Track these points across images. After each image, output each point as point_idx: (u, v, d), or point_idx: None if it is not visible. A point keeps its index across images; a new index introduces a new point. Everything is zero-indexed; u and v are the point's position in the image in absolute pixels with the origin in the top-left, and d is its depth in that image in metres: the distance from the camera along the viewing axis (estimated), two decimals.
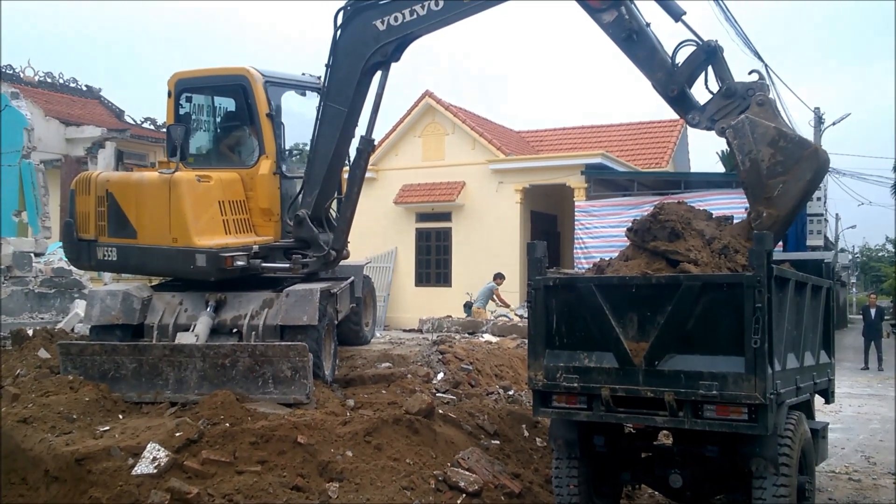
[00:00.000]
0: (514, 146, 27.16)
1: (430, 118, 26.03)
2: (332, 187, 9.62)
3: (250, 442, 6.70)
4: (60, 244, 11.75)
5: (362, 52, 8.88)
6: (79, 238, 9.47)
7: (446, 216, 25.45)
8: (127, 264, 9.50)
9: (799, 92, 47.85)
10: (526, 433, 8.64)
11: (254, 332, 8.85)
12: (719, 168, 37.16)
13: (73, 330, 12.25)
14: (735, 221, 7.42)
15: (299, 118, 9.97)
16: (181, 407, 7.89)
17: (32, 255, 15.13)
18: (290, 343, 8.16)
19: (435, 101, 25.78)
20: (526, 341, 7.33)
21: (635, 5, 7.83)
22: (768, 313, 5.83)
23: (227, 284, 9.17)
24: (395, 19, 8.71)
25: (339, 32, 8.97)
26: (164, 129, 9.73)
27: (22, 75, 27.03)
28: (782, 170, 6.95)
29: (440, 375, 9.83)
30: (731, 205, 17.09)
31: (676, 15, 7.72)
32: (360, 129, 9.42)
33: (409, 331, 17.83)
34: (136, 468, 6.36)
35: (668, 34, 7.81)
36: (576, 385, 6.44)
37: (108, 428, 7.25)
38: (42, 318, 14.35)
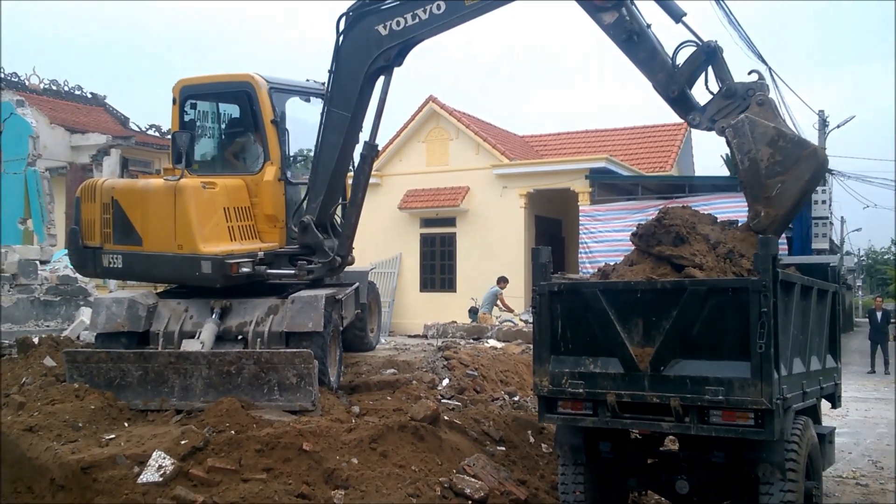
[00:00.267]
0: (518, 151, 27.17)
1: (434, 123, 26.05)
2: (336, 193, 9.63)
3: (256, 449, 6.70)
4: (66, 251, 11.78)
5: (365, 58, 8.89)
6: (84, 245, 9.48)
7: (451, 221, 25.45)
8: (132, 271, 9.50)
9: (802, 94, 47.84)
10: (532, 439, 8.62)
11: (259, 339, 8.84)
12: (724, 172, 37.09)
13: (78, 337, 12.26)
14: (740, 224, 7.41)
15: (304, 124, 9.97)
16: (187, 414, 7.88)
17: (38, 262, 15.18)
18: (295, 350, 8.16)
19: (439, 106, 25.81)
20: (531, 346, 7.32)
21: (636, 6, 7.86)
22: (774, 318, 5.82)
23: (233, 291, 9.18)
24: (398, 24, 8.72)
25: (341, 38, 8.99)
26: (169, 136, 9.75)
27: (27, 83, 27.14)
28: (781, 169, 6.97)
29: (445, 381, 9.82)
30: (736, 208, 17.05)
31: (677, 16, 7.74)
32: (365, 135, 9.45)
33: (414, 336, 17.83)
34: (141, 476, 6.36)
35: (668, 35, 7.84)
36: (581, 391, 6.43)
37: (113, 436, 7.25)
38: (48, 326, 14.38)
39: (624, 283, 6.53)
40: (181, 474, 6.41)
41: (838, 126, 35.16)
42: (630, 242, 7.18)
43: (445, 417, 8.10)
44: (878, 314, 23.23)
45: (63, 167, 23.45)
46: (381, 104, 9.15)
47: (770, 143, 7.00)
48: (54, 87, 28.54)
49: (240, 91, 9.78)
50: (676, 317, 6.11)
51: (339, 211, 9.93)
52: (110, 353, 8.42)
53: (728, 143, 7.29)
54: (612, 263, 7.44)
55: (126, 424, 7.72)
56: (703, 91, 7.66)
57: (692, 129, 7.59)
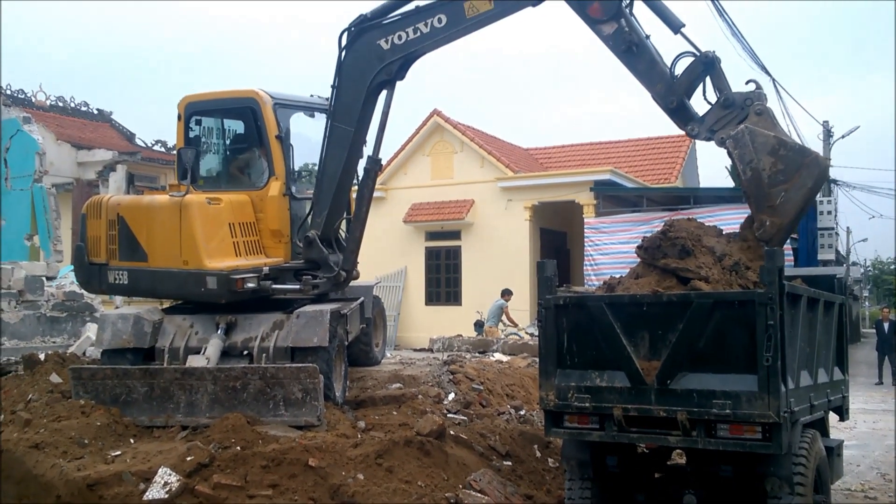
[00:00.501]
0: (522, 163, 27.20)
1: (439, 136, 26.11)
2: (341, 208, 9.65)
3: (261, 465, 6.68)
4: (72, 267, 11.82)
5: (367, 72, 8.94)
6: (90, 262, 9.51)
7: (456, 234, 25.46)
8: (138, 288, 9.52)
9: (806, 104, 47.89)
10: (538, 454, 8.59)
11: (264, 355, 8.84)
12: (728, 183, 37.07)
13: (84, 354, 12.28)
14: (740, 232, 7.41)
15: (308, 140, 10.00)
16: (192, 430, 7.88)
17: (44, 278, 15.20)
18: (300, 365, 8.15)
19: (443, 120, 25.87)
20: (537, 360, 7.30)
21: (635, 18, 7.90)
22: (781, 330, 5.80)
23: (238, 306, 9.18)
24: (399, 38, 8.77)
25: (343, 53, 9.03)
26: (175, 152, 9.79)
27: (34, 100, 27.30)
28: (784, 178, 7.00)
29: (451, 396, 9.79)
30: (742, 220, 17.02)
31: (675, 27, 7.79)
32: (368, 149, 9.47)
33: (420, 350, 17.80)
34: (147, 493, 6.34)
35: (667, 46, 7.87)
36: (588, 405, 6.41)
37: (119, 453, 7.24)
38: (54, 342, 14.39)
39: (630, 297, 6.52)
40: (187, 491, 6.39)
41: (843, 136, 35.26)
42: (635, 254, 7.18)
43: (451, 432, 8.07)
44: (886, 325, 23.11)
45: (69, 183, 23.53)
46: (384, 118, 9.18)
47: (771, 152, 7.03)
48: (61, 104, 28.70)
49: (244, 107, 9.81)
50: (683, 330, 6.09)
51: (343, 225, 9.94)
52: (116, 370, 8.43)
53: (729, 154, 7.32)
54: (617, 276, 7.44)
55: (132, 441, 7.72)
56: (701, 101, 7.71)
57: (696, 140, 7.60)
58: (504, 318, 19.68)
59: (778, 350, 5.74)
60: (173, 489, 6.35)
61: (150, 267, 9.16)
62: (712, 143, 7.58)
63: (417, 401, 9.34)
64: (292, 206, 9.69)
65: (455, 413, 9.30)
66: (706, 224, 7.44)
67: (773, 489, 6.01)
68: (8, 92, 25.39)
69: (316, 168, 9.68)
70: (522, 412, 9.99)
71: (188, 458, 6.70)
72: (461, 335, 17.08)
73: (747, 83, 7.51)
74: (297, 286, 9.41)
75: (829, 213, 23.16)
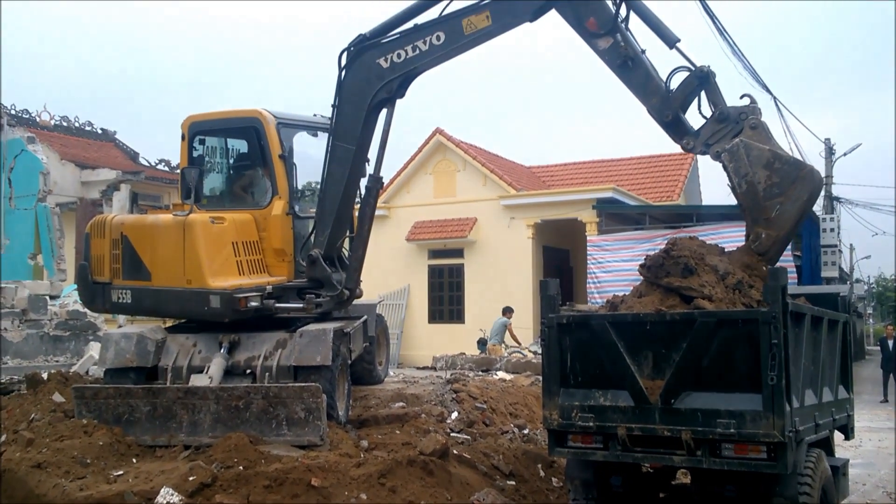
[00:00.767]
0: (524, 181, 27.24)
1: (441, 155, 26.17)
2: (343, 226, 9.66)
3: (264, 485, 6.65)
4: (75, 286, 11.84)
5: (367, 91, 8.99)
6: (93, 281, 9.52)
7: (458, 252, 25.46)
8: (141, 307, 9.52)
9: (808, 122, 47.98)
10: (542, 473, 8.55)
11: (267, 373, 8.83)
12: (731, 201, 37.02)
13: (87, 373, 12.27)
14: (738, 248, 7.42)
15: (311, 159, 10.03)
16: (195, 450, 7.86)
17: (48, 297, 15.22)
18: (303, 384, 8.14)
19: (445, 138, 25.94)
20: (540, 378, 7.29)
21: (630, 32, 7.96)
22: (785, 349, 5.79)
23: (241, 325, 9.18)
24: (398, 56, 8.83)
25: (343, 73, 9.09)
26: (179, 171, 9.83)
27: (38, 119, 27.45)
28: (779, 191, 7.06)
29: (454, 415, 9.77)
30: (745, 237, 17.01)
31: (671, 42, 7.86)
32: (371, 168, 9.50)
33: (423, 368, 17.76)
34: None
35: (662, 61, 7.93)
36: (591, 424, 6.39)
37: (121, 472, 7.23)
38: (57, 361, 14.39)
39: (633, 316, 6.51)
40: None
41: (845, 154, 35.26)
42: (638, 273, 7.18)
43: (455, 451, 8.05)
44: (890, 343, 23.01)
45: (73, 202, 23.61)
46: (385, 136, 9.23)
47: (766, 165, 7.09)
48: (65, 124, 28.85)
49: (248, 126, 9.86)
50: (686, 349, 6.08)
51: (346, 243, 9.96)
52: (119, 389, 8.42)
53: (724, 168, 7.39)
54: (620, 294, 7.43)
55: (134, 460, 7.70)
56: (696, 116, 7.77)
57: (699, 158, 7.65)
58: (508, 334, 19.66)
59: (782, 369, 5.72)
60: None
61: (154, 286, 9.17)
62: (708, 157, 7.64)
63: (420, 420, 9.31)
64: (295, 224, 9.72)
65: (458, 432, 9.27)
66: (708, 242, 7.44)
67: None
68: (12, 112, 25.52)
69: (319, 187, 9.71)
70: (526, 431, 9.95)
71: (190, 478, 6.68)
72: (464, 353, 17.04)
73: (742, 97, 7.60)
74: (301, 305, 9.42)
75: (832, 230, 23.13)
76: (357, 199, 9.70)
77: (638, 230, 23.14)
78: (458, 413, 9.82)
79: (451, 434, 9.08)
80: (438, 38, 8.65)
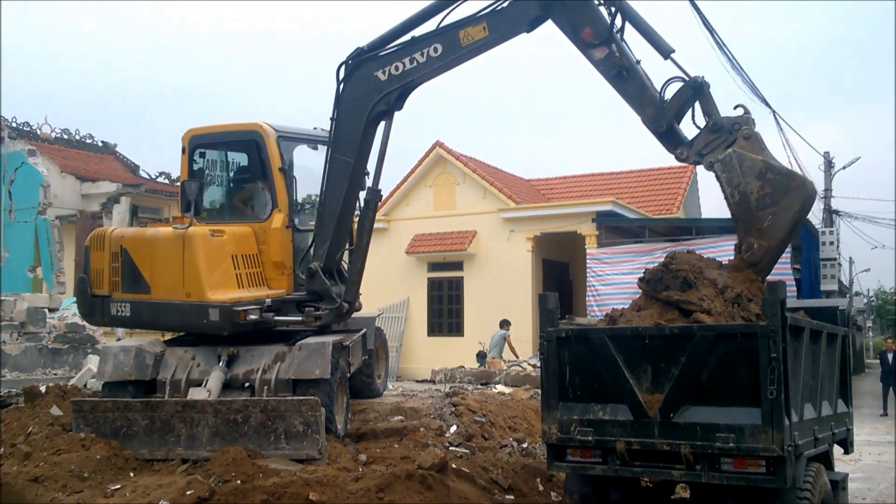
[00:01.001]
0: (524, 194, 27.27)
1: (441, 168, 26.20)
2: (342, 239, 9.67)
3: (262, 500, 6.62)
4: (74, 299, 11.84)
5: (366, 103, 9.03)
6: (92, 294, 9.52)
7: (458, 265, 25.46)
8: (140, 320, 9.52)
9: (807, 135, 48.16)
10: (541, 487, 8.52)
11: (266, 387, 8.81)
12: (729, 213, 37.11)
13: (85, 386, 12.25)
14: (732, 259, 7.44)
15: (311, 172, 10.05)
16: (193, 464, 7.84)
17: (46, 310, 15.21)
18: (302, 398, 8.13)
19: (445, 151, 25.99)
20: (539, 392, 7.27)
21: (625, 43, 8.01)
22: (784, 363, 5.79)
23: (240, 338, 9.17)
24: (396, 68, 8.87)
25: (342, 86, 9.13)
26: (179, 184, 9.85)
27: (39, 132, 27.51)
28: (771, 201, 7.07)
29: (453, 428, 9.74)
30: None
31: (665, 52, 7.91)
32: (369, 180, 9.51)
33: (422, 381, 17.73)
34: None
35: (657, 72, 7.97)
36: (590, 438, 6.38)
37: (119, 486, 7.21)
38: (55, 374, 14.36)
39: (632, 329, 6.51)
40: None
41: (844, 167, 35.33)
42: (637, 286, 7.18)
43: (453, 465, 8.01)
44: (890, 356, 22.97)
45: (73, 215, 23.63)
46: (383, 148, 9.26)
47: (759, 175, 7.11)
48: (66, 136, 28.91)
49: (248, 140, 9.88)
50: (685, 363, 6.08)
51: (346, 256, 9.96)
52: (117, 402, 8.41)
53: (717, 178, 7.42)
54: (619, 308, 7.43)
55: (132, 474, 7.68)
56: (690, 126, 7.79)
57: (698, 171, 7.69)
58: (507, 348, 19.65)
59: (781, 383, 5.72)
60: None
61: (153, 299, 9.17)
62: (702, 166, 7.68)
63: (419, 433, 9.29)
64: (295, 237, 9.73)
65: (457, 446, 9.24)
66: (707, 256, 7.45)
67: None
68: (13, 125, 25.58)
69: (318, 199, 9.72)
70: (525, 445, 9.92)
71: (188, 492, 6.66)
72: (463, 366, 17.01)
73: (735, 108, 7.62)
74: (300, 318, 9.41)
75: (832, 243, 23.16)
76: (356, 212, 9.71)
77: (637, 243, 23.15)
78: (457, 427, 9.80)
79: (450, 448, 9.05)
80: (436, 49, 8.70)
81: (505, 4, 8.42)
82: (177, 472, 7.64)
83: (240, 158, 10.41)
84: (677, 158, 7.90)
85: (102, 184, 24.30)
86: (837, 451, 8.04)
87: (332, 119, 9.22)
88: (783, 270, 19.48)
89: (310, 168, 10.16)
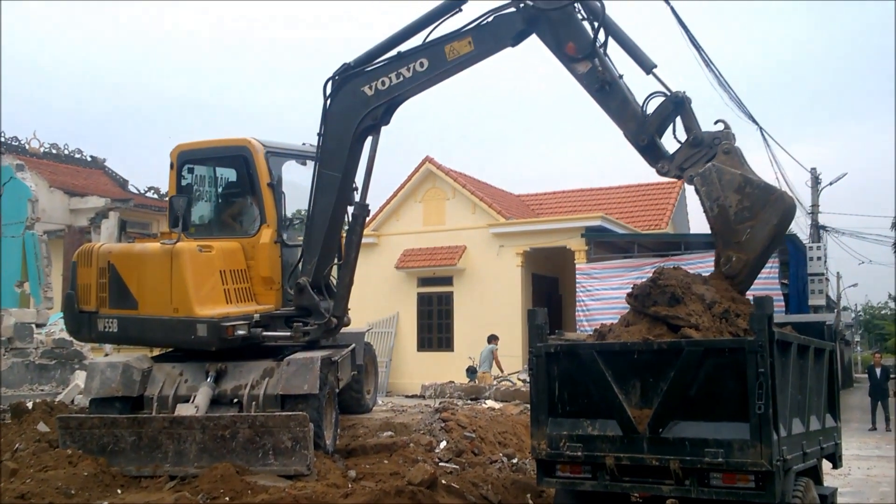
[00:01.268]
0: (514, 210, 27.34)
1: (431, 183, 26.26)
2: (331, 254, 9.67)
3: None
4: (62, 314, 11.77)
5: (353, 118, 9.07)
6: (80, 310, 9.47)
7: (448, 280, 25.47)
8: (127, 336, 9.46)
9: (794, 152, 48.44)
10: (531, 503, 8.50)
11: (254, 402, 8.78)
12: None
13: (72, 402, 12.17)
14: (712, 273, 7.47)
15: (300, 187, 10.06)
16: (181, 480, 7.78)
17: (34, 325, 15.11)
18: (290, 413, 8.10)
19: (435, 167, 26.05)
20: (529, 407, 7.26)
21: (609, 57, 8.09)
22: (771, 378, 5.80)
23: (228, 354, 9.14)
24: (383, 83, 8.92)
25: (328, 101, 9.17)
26: (167, 199, 9.84)
27: (28, 147, 27.43)
28: (749, 215, 7.14)
29: (443, 444, 9.72)
30: None
31: (648, 67, 8.01)
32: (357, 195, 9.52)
33: (412, 397, 17.68)
34: None
35: (640, 86, 8.05)
36: (579, 454, 6.37)
37: (106, 503, 7.14)
38: (42, 390, 14.26)
39: (620, 344, 6.52)
40: None
41: (830, 183, 35.56)
42: (626, 301, 7.19)
43: (443, 481, 7.99)
44: (878, 370, 23.07)
45: (61, 230, 23.52)
46: (371, 163, 9.29)
47: (738, 189, 7.18)
48: (54, 151, 28.83)
49: (237, 155, 9.89)
50: (674, 378, 6.09)
51: (334, 271, 9.95)
52: (104, 419, 8.35)
53: (697, 191, 7.50)
54: (608, 323, 7.44)
55: (119, 491, 7.62)
56: (672, 141, 7.88)
57: (687, 187, 7.75)
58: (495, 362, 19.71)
59: (769, 397, 5.73)
60: None
61: (141, 315, 9.13)
62: (682, 180, 7.75)
63: (409, 449, 9.25)
64: (283, 253, 9.72)
65: (447, 461, 9.21)
66: (694, 272, 7.47)
67: None
68: (2, 139, 25.50)
69: (306, 215, 9.73)
70: (515, 460, 9.90)
71: None
72: (453, 381, 16.99)
73: (716, 123, 7.71)
74: (288, 333, 9.39)
75: (819, 258, 23.28)
76: (344, 227, 9.72)
77: (627, 258, 23.22)
78: (447, 442, 9.77)
79: (440, 463, 9.02)
80: (422, 64, 8.76)
81: (490, 19, 8.50)
82: (165, 489, 7.59)
83: (228, 174, 10.41)
84: (658, 172, 7.99)
85: (91, 198, 24.20)
86: (826, 465, 8.05)
87: (319, 134, 9.26)
88: (771, 285, 19.58)
89: (298, 183, 10.17)
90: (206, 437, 8.00)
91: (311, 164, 10.14)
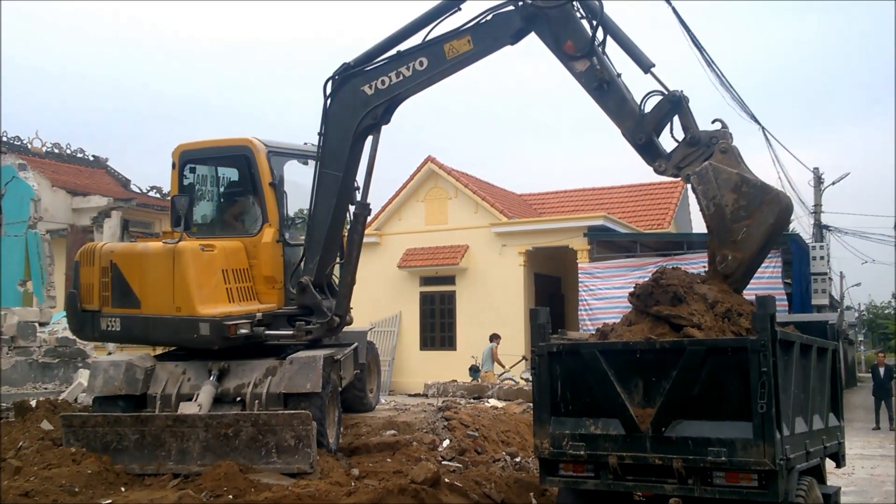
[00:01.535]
0: (516, 209, 27.33)
1: (433, 183, 26.26)
2: (332, 253, 9.68)
3: None
4: (64, 313, 11.79)
5: (353, 118, 9.08)
6: (82, 309, 9.48)
7: (450, 280, 25.48)
8: (130, 335, 9.47)
9: (797, 152, 48.37)
10: (534, 502, 8.50)
11: (257, 401, 8.79)
12: None
13: (76, 400, 12.18)
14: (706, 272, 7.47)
15: (301, 187, 10.06)
16: (184, 479, 7.80)
17: (37, 324, 15.12)
18: (293, 411, 8.10)
19: (437, 166, 26.06)
20: (531, 406, 7.27)
21: (607, 56, 8.10)
22: (774, 377, 5.80)
23: (231, 353, 9.15)
24: (383, 83, 8.93)
25: (329, 101, 9.18)
26: (169, 199, 9.86)
27: (30, 146, 27.44)
28: (746, 214, 7.15)
29: (446, 442, 9.72)
30: None
31: (646, 67, 8.02)
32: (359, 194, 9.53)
33: (414, 395, 17.67)
34: None
35: (640, 86, 8.05)
36: (582, 453, 6.38)
37: (109, 501, 7.17)
38: (45, 389, 14.27)
39: (623, 344, 6.52)
40: None
41: (833, 183, 35.50)
42: (628, 301, 7.20)
43: (446, 480, 7.99)
44: (881, 370, 23.05)
45: (64, 229, 23.54)
46: (371, 162, 9.30)
47: (734, 188, 7.19)
48: (56, 151, 28.84)
49: (239, 155, 9.90)
50: (676, 377, 6.09)
51: (336, 270, 9.96)
52: (107, 417, 8.37)
53: (693, 190, 7.50)
54: (611, 322, 7.45)
55: (122, 489, 7.63)
56: (669, 140, 7.87)
57: (689, 186, 7.75)
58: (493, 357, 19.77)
59: (772, 397, 5.73)
60: None
61: (143, 314, 9.14)
62: (679, 178, 7.75)
63: (412, 448, 9.26)
64: (286, 252, 9.73)
65: (450, 460, 9.22)
66: (694, 272, 7.48)
67: None
68: (4, 139, 25.53)
69: (308, 214, 9.74)
70: (518, 459, 9.90)
71: None
72: (456, 380, 16.98)
73: (713, 122, 7.71)
74: (291, 332, 9.40)
75: (822, 258, 23.27)
76: (346, 226, 9.73)
77: (629, 258, 23.22)
78: (450, 441, 9.77)
79: (443, 462, 9.03)
80: (421, 63, 8.77)
81: (489, 18, 8.52)
82: (168, 487, 7.60)
83: (230, 173, 10.42)
84: (655, 171, 8.00)
85: (93, 198, 24.23)
86: (830, 464, 8.05)
87: (320, 134, 9.27)
88: (774, 285, 19.58)
89: (300, 183, 10.17)
90: (209, 436, 8.02)
91: (312, 163, 10.16)
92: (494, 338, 20.12)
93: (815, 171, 35.31)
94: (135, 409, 8.93)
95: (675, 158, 7.75)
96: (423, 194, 26.38)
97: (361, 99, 9.02)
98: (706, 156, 7.49)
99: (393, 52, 8.95)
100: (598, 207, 28.71)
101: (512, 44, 8.57)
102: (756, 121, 20.48)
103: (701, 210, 7.41)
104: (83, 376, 13.09)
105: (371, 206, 9.63)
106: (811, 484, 6.45)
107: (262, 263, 9.58)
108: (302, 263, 9.54)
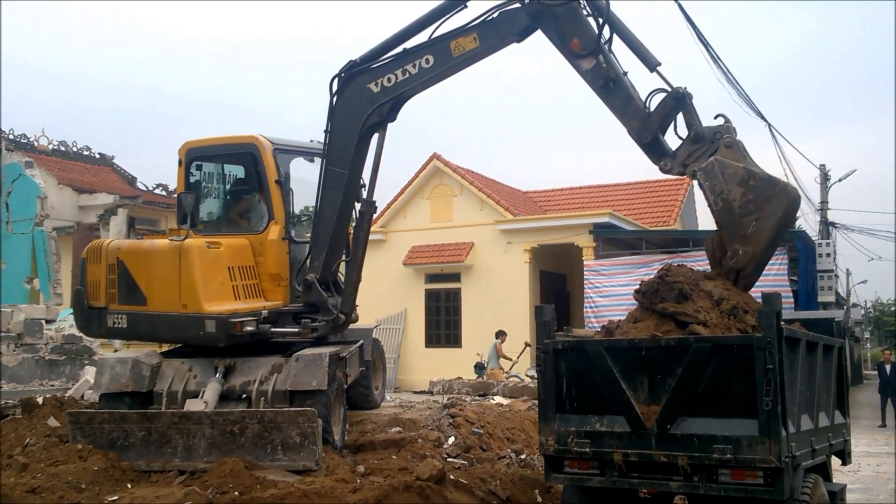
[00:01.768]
0: (521, 206, 27.31)
1: (438, 180, 26.25)
2: (338, 250, 9.69)
3: None
4: (71, 310, 11.84)
5: (359, 116, 9.09)
6: (89, 306, 9.52)
7: (455, 277, 25.47)
8: (137, 331, 9.52)
9: (803, 148, 48.25)
10: (539, 499, 8.49)
11: (263, 398, 8.81)
12: None
13: (82, 397, 12.22)
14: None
15: (308, 184, 10.08)
16: (190, 475, 7.82)
17: (44, 321, 15.18)
18: (298, 409, 8.12)
19: (443, 164, 26.04)
20: (537, 403, 7.27)
21: (613, 54, 8.08)
22: (780, 374, 5.80)
23: (237, 350, 9.18)
24: (388, 80, 8.93)
25: (335, 99, 9.19)
26: (176, 196, 9.89)
27: (36, 144, 27.52)
28: (754, 208, 7.13)
29: (451, 440, 9.73)
30: None
31: (652, 65, 8.01)
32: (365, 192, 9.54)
33: (420, 393, 17.69)
34: None
35: (646, 84, 8.02)
36: (587, 450, 6.38)
37: (116, 498, 7.19)
38: (52, 386, 14.33)
39: (628, 341, 6.52)
40: None
41: (840, 180, 35.42)
42: (634, 298, 7.19)
43: (451, 477, 8.00)
44: (888, 367, 22.97)
45: (70, 226, 23.59)
46: (377, 160, 9.32)
47: (741, 182, 7.17)
48: (63, 148, 28.92)
49: (245, 152, 9.92)
50: (682, 374, 6.09)
51: (342, 268, 9.98)
52: (113, 414, 8.40)
53: (700, 186, 7.49)
54: (616, 320, 7.45)
55: (129, 486, 7.66)
56: (674, 138, 7.86)
57: (695, 183, 7.75)
58: (498, 354, 19.76)
59: (778, 394, 5.73)
60: None
61: (150, 311, 9.18)
62: (685, 176, 7.73)
63: (417, 445, 9.27)
64: (291, 249, 9.74)
65: (455, 457, 9.23)
66: (700, 269, 7.47)
67: None
68: (10, 136, 25.60)
69: (314, 211, 9.76)
70: (523, 456, 9.91)
71: None
72: (461, 378, 16.99)
73: (716, 118, 7.68)
74: (296, 329, 9.42)
75: (829, 255, 23.20)
76: (352, 223, 9.74)
77: (635, 255, 23.18)
78: (455, 438, 9.78)
79: (448, 459, 9.04)
80: (427, 61, 8.77)
81: (495, 15, 8.51)
82: (174, 484, 7.62)
83: (236, 171, 10.44)
84: (661, 169, 7.99)
85: (100, 195, 24.24)
86: (835, 462, 8.04)
87: (325, 131, 9.28)
88: (780, 282, 19.53)
89: (306, 180, 10.19)
90: (215, 433, 8.04)
91: (318, 160, 10.17)
92: (500, 334, 20.12)
93: (822, 167, 35.19)
94: (141, 406, 8.96)
95: (680, 156, 7.74)
96: (428, 191, 26.38)
97: (367, 96, 9.03)
98: (711, 151, 7.49)
99: (399, 49, 8.96)
100: (604, 205, 28.66)
101: (518, 41, 8.56)
102: (762, 117, 20.45)
103: (709, 206, 7.39)
104: (90, 373, 13.14)
105: (377, 204, 9.64)
106: (817, 481, 6.45)
107: (268, 261, 9.61)
108: (308, 261, 9.55)
